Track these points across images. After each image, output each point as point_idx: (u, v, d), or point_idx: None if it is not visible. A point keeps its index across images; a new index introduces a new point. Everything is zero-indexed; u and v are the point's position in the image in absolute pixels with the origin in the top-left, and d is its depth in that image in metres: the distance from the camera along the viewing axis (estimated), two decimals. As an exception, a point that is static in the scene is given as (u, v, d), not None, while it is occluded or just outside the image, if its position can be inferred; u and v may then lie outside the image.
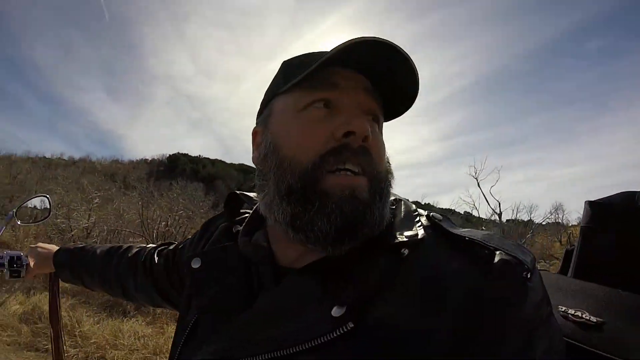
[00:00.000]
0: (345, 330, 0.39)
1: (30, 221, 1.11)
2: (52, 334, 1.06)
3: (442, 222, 0.49)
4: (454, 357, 0.37)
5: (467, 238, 0.45)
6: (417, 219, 0.50)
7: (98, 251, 0.96)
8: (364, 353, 0.39)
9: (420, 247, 0.45)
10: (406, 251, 0.45)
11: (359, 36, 0.44)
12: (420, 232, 0.47)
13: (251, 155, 0.56)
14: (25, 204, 1.07)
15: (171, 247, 0.83)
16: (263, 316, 0.45)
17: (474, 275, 0.41)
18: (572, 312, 0.58)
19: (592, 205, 0.72)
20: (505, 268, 0.41)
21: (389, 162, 0.52)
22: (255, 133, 0.56)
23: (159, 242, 0.91)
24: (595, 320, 0.55)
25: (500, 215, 13.21)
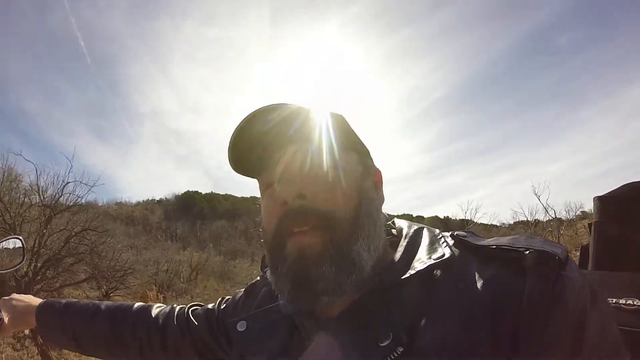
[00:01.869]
0: (396, 355, 0.41)
1: (3, 268, 0.91)
2: None
3: (467, 237, 0.50)
4: None
5: (494, 246, 0.46)
6: (442, 240, 0.51)
7: (103, 307, 0.84)
8: None
9: (451, 266, 0.46)
10: (438, 272, 0.46)
11: (234, 133, 0.53)
12: (447, 252, 0.48)
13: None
14: (-6, 249, 0.91)
15: (209, 307, 0.80)
16: None
17: (508, 279, 0.42)
18: (623, 301, 0.60)
19: (602, 200, 0.75)
20: (537, 264, 0.42)
21: (362, 192, 0.52)
22: None
23: (188, 304, 0.85)
24: (634, 304, 0.58)
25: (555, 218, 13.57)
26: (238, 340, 0.60)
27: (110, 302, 0.87)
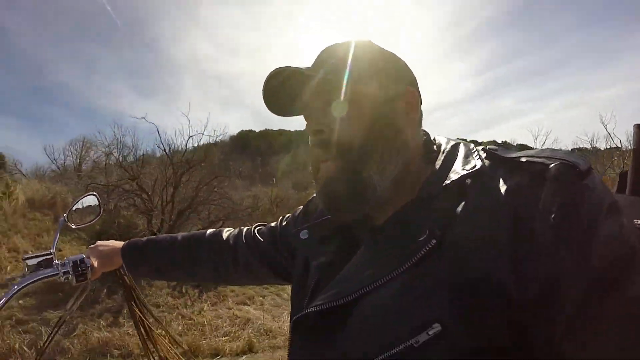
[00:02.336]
0: (430, 246, 0.46)
1: (84, 223, 1.02)
2: (142, 329, 1.02)
3: (497, 151, 0.55)
4: (515, 260, 0.42)
5: (520, 158, 0.50)
6: (476, 153, 0.56)
7: (179, 237, 0.96)
8: (449, 261, 0.45)
9: (481, 175, 0.51)
10: (469, 181, 0.51)
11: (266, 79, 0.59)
12: (479, 163, 0.53)
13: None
14: (74, 207, 1.03)
15: (272, 225, 0.91)
16: (364, 261, 0.55)
17: (529, 185, 0.46)
18: None
19: None
20: (558, 172, 0.45)
21: (378, 120, 0.57)
22: None
23: (253, 224, 0.96)
24: None
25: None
26: (302, 247, 0.68)
27: (186, 233, 0.98)
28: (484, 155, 0.55)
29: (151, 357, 1.05)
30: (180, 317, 4.46)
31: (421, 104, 0.63)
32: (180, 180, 7.65)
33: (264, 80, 0.59)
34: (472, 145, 0.59)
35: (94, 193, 1.07)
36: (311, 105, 0.60)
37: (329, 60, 0.58)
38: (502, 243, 0.43)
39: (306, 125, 0.62)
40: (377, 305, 0.48)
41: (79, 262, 0.93)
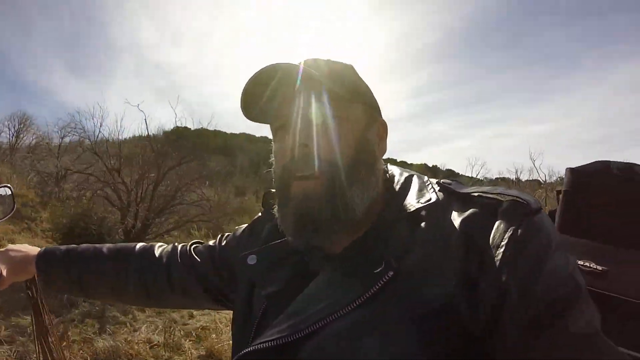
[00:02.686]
0: (387, 279, 0.47)
1: None
2: (40, 352, 0.88)
3: (451, 185, 0.56)
4: (466, 285, 0.44)
5: (476, 194, 0.52)
6: (430, 186, 0.57)
7: (105, 250, 0.84)
8: (405, 292, 0.46)
9: (436, 208, 0.52)
10: (424, 212, 0.52)
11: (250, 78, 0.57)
12: (434, 196, 0.54)
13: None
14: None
15: (210, 244, 0.83)
16: (319, 292, 0.52)
17: (481, 219, 0.48)
18: (581, 262, 0.68)
19: (572, 172, 0.81)
20: (510, 208, 0.47)
21: (363, 143, 0.58)
22: None
23: (189, 242, 0.87)
24: (600, 269, 0.66)
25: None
26: (248, 273, 0.63)
27: (111, 245, 0.86)
28: (437, 188, 0.56)
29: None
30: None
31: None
32: (163, 177, 7.29)
33: (251, 77, 0.56)
34: (425, 178, 0.60)
35: (8, 185, 0.90)
36: (297, 117, 0.56)
37: (316, 74, 0.55)
38: (454, 269, 0.45)
39: (279, 138, 0.60)
40: (333, 339, 0.46)
41: None
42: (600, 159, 0.80)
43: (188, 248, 0.83)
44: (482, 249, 0.45)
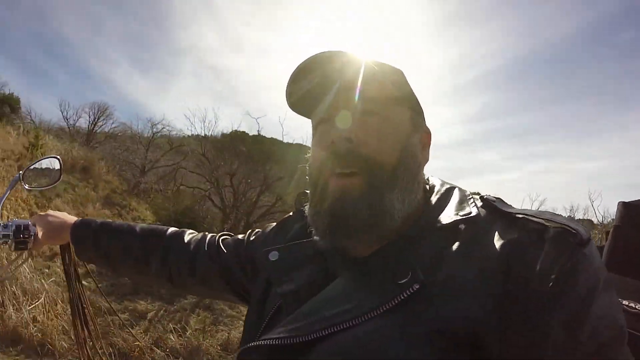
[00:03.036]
0: (412, 291, 0.43)
1: (39, 186, 0.93)
2: (76, 316, 0.93)
3: (495, 202, 0.52)
4: (502, 316, 0.40)
5: (521, 215, 0.48)
6: (471, 200, 0.54)
7: (138, 229, 0.87)
8: (430, 306, 0.42)
9: (476, 223, 0.49)
10: (463, 226, 0.49)
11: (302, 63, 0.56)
12: (474, 211, 0.51)
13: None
14: (33, 167, 0.95)
15: (239, 237, 0.83)
16: (337, 295, 0.49)
17: (526, 245, 0.44)
18: (626, 303, 0.65)
19: (625, 206, 0.77)
20: (559, 237, 0.43)
21: (407, 147, 0.54)
22: None
23: (218, 232, 0.87)
24: None
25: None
26: (268, 269, 0.61)
27: (145, 225, 0.89)
28: (480, 204, 0.53)
29: (84, 346, 0.96)
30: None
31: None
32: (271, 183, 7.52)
33: (299, 65, 0.55)
34: (468, 192, 0.57)
35: (57, 156, 0.99)
36: (346, 109, 0.54)
37: (365, 71, 0.53)
38: (489, 294, 0.41)
39: (320, 131, 0.57)
40: (346, 347, 0.44)
41: (22, 228, 0.85)
42: None
43: (217, 239, 0.83)
44: (524, 278, 0.41)
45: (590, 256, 0.42)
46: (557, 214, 0.47)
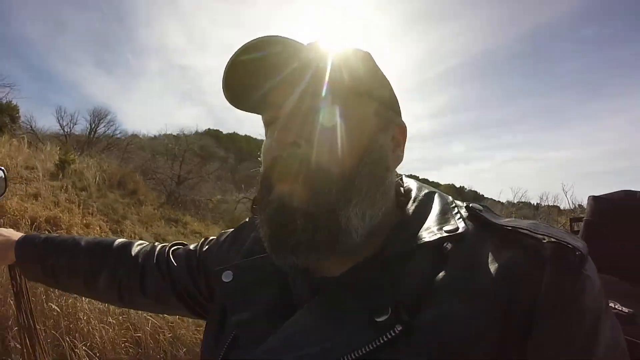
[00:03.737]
0: (393, 334, 0.37)
1: None
2: (25, 338, 0.86)
3: (482, 212, 0.47)
4: (503, 351, 0.36)
5: (511, 228, 0.43)
6: (455, 210, 0.48)
7: (83, 243, 0.78)
8: (417, 350, 0.37)
9: (463, 240, 0.43)
10: (449, 245, 0.43)
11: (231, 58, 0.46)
12: (461, 226, 0.45)
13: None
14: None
15: (191, 248, 0.74)
16: (299, 332, 0.43)
17: (525, 267, 0.39)
18: (613, 305, 0.61)
19: (596, 200, 0.77)
20: (557, 256, 0.39)
21: (370, 150, 0.46)
22: None
23: (170, 243, 0.78)
24: (627, 311, 0.61)
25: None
26: (222, 292, 0.55)
27: (91, 238, 0.82)
28: (465, 214, 0.47)
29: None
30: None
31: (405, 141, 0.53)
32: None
33: (233, 54, 0.46)
34: (450, 199, 0.51)
35: (2, 167, 0.90)
36: (290, 109, 0.46)
37: (320, 58, 0.45)
38: (488, 340, 0.37)
39: (270, 133, 0.49)
40: None
41: None
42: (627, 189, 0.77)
43: (167, 250, 0.75)
44: (528, 308, 0.37)
45: (592, 276, 0.39)
46: (551, 226, 0.44)
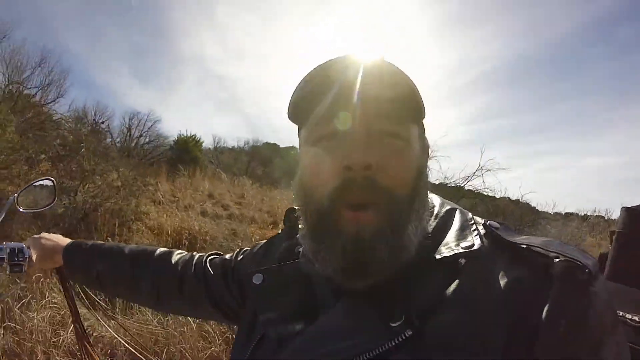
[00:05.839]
0: (404, 338, 0.40)
1: (34, 208, 0.94)
2: (77, 335, 0.94)
3: (499, 230, 0.49)
4: None
5: (525, 246, 0.44)
6: (474, 227, 0.50)
7: (126, 250, 0.86)
8: (426, 354, 0.39)
9: (478, 257, 0.45)
10: (463, 261, 0.45)
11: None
12: (477, 242, 0.47)
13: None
14: (28, 189, 0.96)
15: (226, 257, 0.80)
16: (323, 333, 0.46)
17: (534, 284, 0.41)
18: (630, 316, 0.61)
19: (629, 212, 0.74)
20: (566, 273, 0.40)
21: (421, 172, 0.49)
22: None
23: (207, 252, 0.84)
24: (638, 321, 0.60)
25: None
26: (252, 293, 0.59)
27: (134, 246, 0.89)
28: (482, 231, 0.49)
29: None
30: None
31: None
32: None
33: (311, 71, 0.49)
34: (469, 215, 0.53)
35: (52, 179, 1.00)
36: (359, 127, 0.46)
37: (382, 82, 0.47)
38: (495, 343, 0.38)
39: (342, 149, 0.46)
40: None
41: (16, 251, 0.87)
42: None
43: (204, 259, 0.81)
44: (533, 324, 0.38)
45: (600, 293, 0.40)
46: (565, 244, 0.44)
